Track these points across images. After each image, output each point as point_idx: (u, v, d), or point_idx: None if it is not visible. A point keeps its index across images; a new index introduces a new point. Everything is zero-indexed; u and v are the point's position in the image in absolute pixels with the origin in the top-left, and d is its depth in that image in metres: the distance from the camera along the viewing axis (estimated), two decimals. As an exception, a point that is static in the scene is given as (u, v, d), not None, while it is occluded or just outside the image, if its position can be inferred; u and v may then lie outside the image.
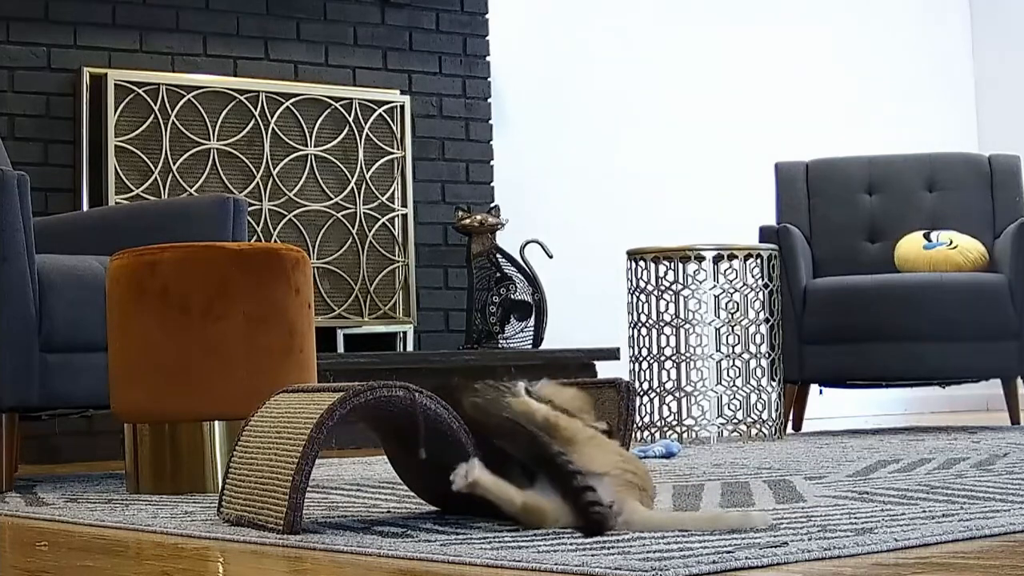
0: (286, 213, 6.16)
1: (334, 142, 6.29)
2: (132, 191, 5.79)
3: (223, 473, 2.98)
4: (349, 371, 5.55)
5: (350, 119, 6.32)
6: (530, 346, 6.39)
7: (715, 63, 7.80)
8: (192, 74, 6.06)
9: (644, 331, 5.52)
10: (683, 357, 5.46)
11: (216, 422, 3.60)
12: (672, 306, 5.48)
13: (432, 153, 6.66)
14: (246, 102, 6.10)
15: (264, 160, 6.12)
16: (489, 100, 6.85)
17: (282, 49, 6.33)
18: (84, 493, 3.65)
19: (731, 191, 7.56)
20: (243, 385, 3.56)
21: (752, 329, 5.51)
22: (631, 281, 5.58)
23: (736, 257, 5.51)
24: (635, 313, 5.56)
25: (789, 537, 2.18)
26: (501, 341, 6.38)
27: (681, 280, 5.48)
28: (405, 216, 6.43)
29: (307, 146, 6.22)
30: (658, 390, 5.46)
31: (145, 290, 3.62)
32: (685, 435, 5.40)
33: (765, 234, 5.95)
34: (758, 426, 5.45)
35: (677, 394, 5.45)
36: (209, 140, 6.00)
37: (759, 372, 5.49)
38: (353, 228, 6.31)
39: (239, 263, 3.62)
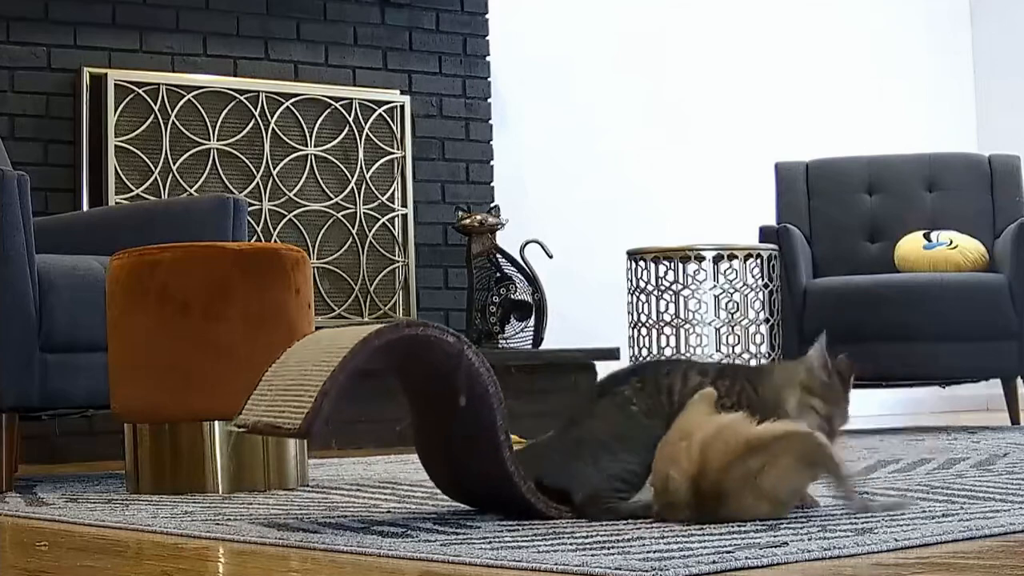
0: (286, 213, 6.16)
1: (334, 142, 6.30)
2: (132, 191, 5.79)
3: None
4: (349, 371, 5.53)
5: (350, 119, 6.32)
6: (530, 346, 6.39)
7: (715, 63, 7.80)
8: (192, 74, 6.06)
9: (644, 331, 5.52)
10: (683, 357, 5.46)
11: (216, 422, 3.60)
12: (672, 306, 5.48)
13: (432, 153, 6.66)
14: (246, 102, 6.10)
15: (264, 160, 6.12)
16: (489, 100, 6.85)
17: (282, 49, 6.33)
18: (84, 493, 3.65)
19: (731, 191, 7.56)
20: (243, 385, 3.54)
21: (752, 329, 5.51)
22: (631, 281, 5.58)
23: (736, 257, 5.51)
24: (635, 313, 5.56)
25: (789, 537, 2.18)
26: (501, 341, 6.38)
27: (681, 280, 5.48)
28: (405, 216, 6.43)
29: (307, 146, 6.22)
30: (658, 390, 5.45)
31: (145, 290, 3.62)
32: (685, 435, 5.39)
33: (765, 234, 5.94)
34: (758, 426, 5.44)
35: (677, 394, 5.44)
36: (209, 140, 6.00)
37: (759, 372, 5.48)
38: (353, 228, 6.31)
39: (239, 263, 3.62)
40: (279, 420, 2.53)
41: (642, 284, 5.54)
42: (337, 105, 6.31)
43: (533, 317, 6.43)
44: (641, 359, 5.52)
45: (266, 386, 2.71)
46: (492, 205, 6.54)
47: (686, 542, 2.17)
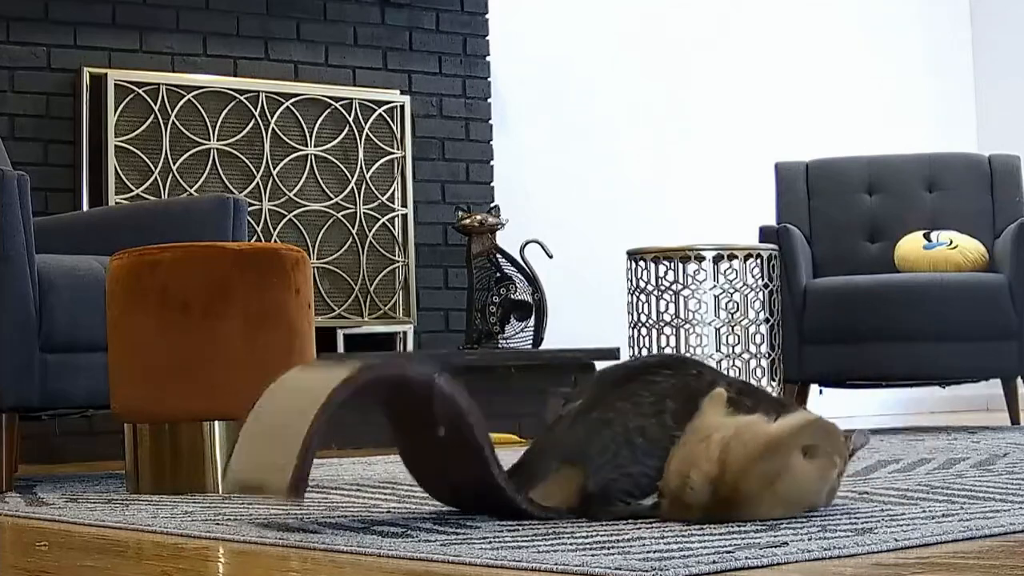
0: (286, 213, 6.16)
1: (334, 142, 6.29)
2: (132, 191, 5.79)
3: (225, 462, 2.97)
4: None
5: (350, 119, 6.32)
6: (530, 346, 6.39)
7: (715, 63, 7.80)
8: (192, 74, 6.06)
9: (644, 331, 5.52)
10: (683, 357, 5.45)
11: (216, 422, 3.60)
12: (672, 306, 5.48)
13: (432, 153, 6.66)
14: (246, 102, 6.10)
15: (264, 160, 6.12)
16: (489, 100, 6.85)
17: (282, 49, 6.33)
18: (84, 493, 3.65)
19: (731, 191, 7.56)
20: (243, 385, 3.55)
21: (752, 329, 5.51)
22: (631, 281, 5.58)
23: (736, 257, 5.51)
24: (635, 313, 5.56)
25: (789, 537, 2.18)
26: (501, 341, 6.38)
27: (681, 280, 5.48)
28: (405, 216, 6.43)
29: (307, 146, 6.22)
30: (658, 390, 5.45)
31: (145, 290, 3.62)
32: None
33: (765, 234, 5.94)
34: (758, 426, 5.44)
35: (677, 394, 5.44)
36: (209, 140, 6.00)
37: (759, 372, 5.49)
38: (353, 228, 6.31)
39: (239, 263, 3.62)
40: (265, 480, 2.55)
41: (642, 284, 5.54)
42: (337, 105, 6.31)
43: (533, 317, 6.43)
44: (639, 357, 5.51)
45: (247, 440, 2.72)
46: (492, 205, 6.54)
47: (686, 542, 2.17)
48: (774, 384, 5.51)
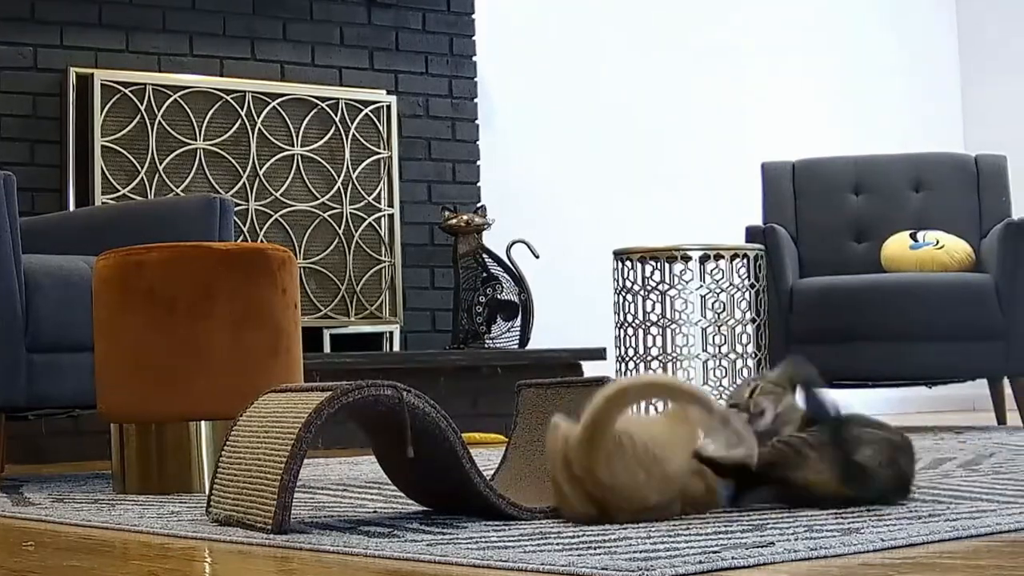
0: (272, 213, 6.15)
1: (320, 142, 6.29)
2: (119, 191, 5.78)
3: (211, 473, 2.98)
4: (336, 371, 5.54)
5: (336, 119, 6.32)
6: (516, 346, 6.39)
7: (702, 63, 7.80)
8: (178, 74, 6.05)
9: (631, 331, 5.53)
10: (669, 357, 5.46)
11: (202, 422, 3.59)
12: (659, 306, 5.49)
13: (418, 153, 6.66)
14: (232, 102, 6.09)
15: (250, 160, 6.12)
16: (475, 100, 6.85)
17: (268, 49, 6.32)
18: (70, 493, 3.64)
19: (718, 191, 7.57)
20: (229, 385, 3.55)
21: (739, 329, 5.52)
22: (617, 281, 5.58)
23: (722, 257, 5.51)
24: (621, 313, 5.56)
25: (776, 537, 2.18)
26: (487, 341, 6.38)
27: (667, 280, 5.48)
28: (391, 216, 6.43)
29: (293, 146, 6.22)
30: (645, 390, 5.45)
31: (131, 290, 3.61)
32: (672, 435, 5.39)
33: (751, 234, 5.95)
34: (745, 426, 5.44)
35: (664, 394, 5.44)
36: (195, 140, 6.00)
37: (746, 372, 5.49)
38: (339, 228, 6.30)
39: (225, 263, 3.61)
40: (248, 517, 2.58)
41: (628, 284, 5.54)
42: (323, 105, 6.30)
43: (519, 317, 6.43)
44: (627, 359, 5.52)
45: (226, 475, 2.74)
46: (478, 205, 6.54)
47: (672, 542, 2.17)
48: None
